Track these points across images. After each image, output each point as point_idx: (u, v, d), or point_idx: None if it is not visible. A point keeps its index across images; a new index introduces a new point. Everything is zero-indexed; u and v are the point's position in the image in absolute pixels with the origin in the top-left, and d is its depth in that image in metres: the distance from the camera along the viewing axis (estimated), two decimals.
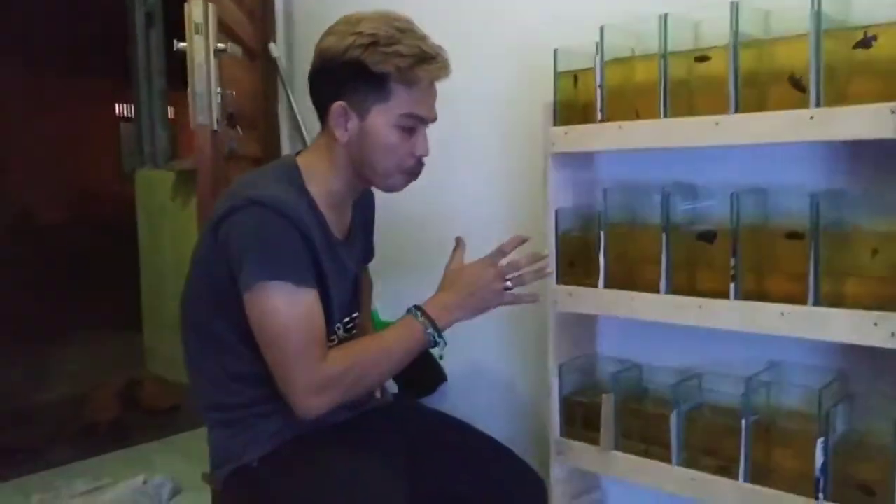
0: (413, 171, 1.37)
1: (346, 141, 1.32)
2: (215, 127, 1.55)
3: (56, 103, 7.03)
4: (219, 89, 1.55)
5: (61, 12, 5.67)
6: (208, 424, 1.38)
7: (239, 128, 1.66)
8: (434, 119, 1.36)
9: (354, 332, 1.50)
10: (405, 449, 1.46)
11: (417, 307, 1.34)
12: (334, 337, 1.43)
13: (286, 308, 1.21)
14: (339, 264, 1.38)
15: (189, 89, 1.55)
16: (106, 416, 2.38)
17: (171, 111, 3.42)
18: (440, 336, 1.32)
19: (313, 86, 1.34)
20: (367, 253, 1.64)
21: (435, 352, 1.37)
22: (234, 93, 1.61)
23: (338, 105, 1.29)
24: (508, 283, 1.37)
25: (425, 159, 1.38)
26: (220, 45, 1.55)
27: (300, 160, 1.37)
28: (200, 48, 1.53)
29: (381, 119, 1.29)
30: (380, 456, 1.36)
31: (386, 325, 2.03)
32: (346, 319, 1.46)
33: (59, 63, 6.59)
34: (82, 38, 6.07)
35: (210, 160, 1.56)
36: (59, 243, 5.88)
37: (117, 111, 8.35)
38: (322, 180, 1.35)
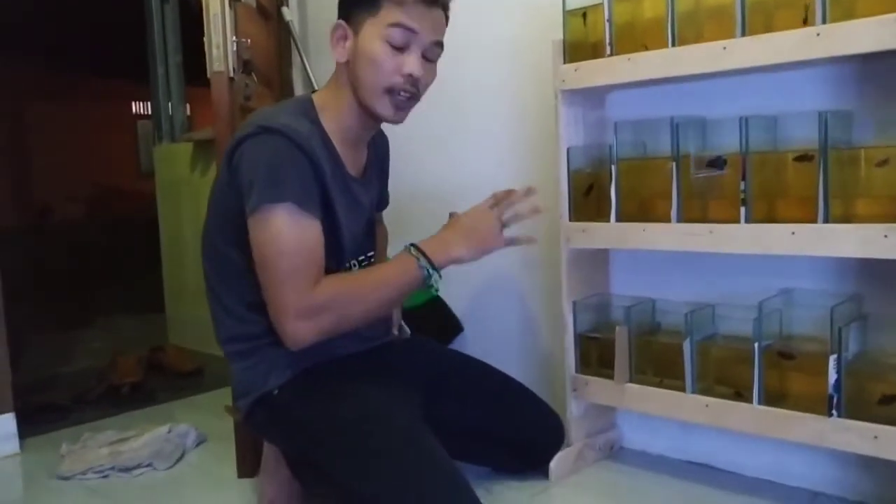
0: (402, 92, 1.32)
1: (344, 61, 1.33)
2: (231, 74, 1.58)
3: (76, 102, 7.14)
4: (234, 38, 1.59)
5: (82, 10, 5.74)
6: (229, 357, 1.41)
7: (254, 75, 1.69)
8: (431, 39, 1.32)
9: None
10: (423, 381, 1.49)
11: (413, 244, 1.33)
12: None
13: (286, 230, 1.22)
14: (351, 199, 1.40)
15: (205, 38, 1.59)
16: (130, 379, 2.41)
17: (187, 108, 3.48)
18: (434, 269, 1.30)
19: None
20: (382, 198, 1.66)
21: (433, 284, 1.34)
22: (249, 41, 1.64)
23: (336, 23, 1.33)
24: (505, 221, 1.38)
25: (423, 87, 1.35)
26: None
27: (315, 97, 1.40)
28: None
29: (371, 32, 1.30)
30: (396, 384, 1.38)
31: None
32: (361, 257, 1.48)
33: (80, 62, 6.67)
34: (102, 37, 6.14)
35: (227, 107, 1.58)
36: (79, 238, 5.97)
37: (134, 109, 8.45)
38: (335, 115, 1.37)
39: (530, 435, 1.59)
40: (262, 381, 1.37)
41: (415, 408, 1.37)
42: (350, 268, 1.45)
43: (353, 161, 1.43)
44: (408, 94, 1.33)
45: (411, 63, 1.31)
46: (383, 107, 1.33)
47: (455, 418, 1.50)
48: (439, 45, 1.35)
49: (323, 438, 1.29)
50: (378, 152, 1.56)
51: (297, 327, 1.23)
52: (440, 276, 1.32)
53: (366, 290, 1.30)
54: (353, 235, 1.42)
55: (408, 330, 1.68)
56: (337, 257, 1.36)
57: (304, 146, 1.25)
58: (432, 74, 1.37)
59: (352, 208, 1.40)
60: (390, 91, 1.32)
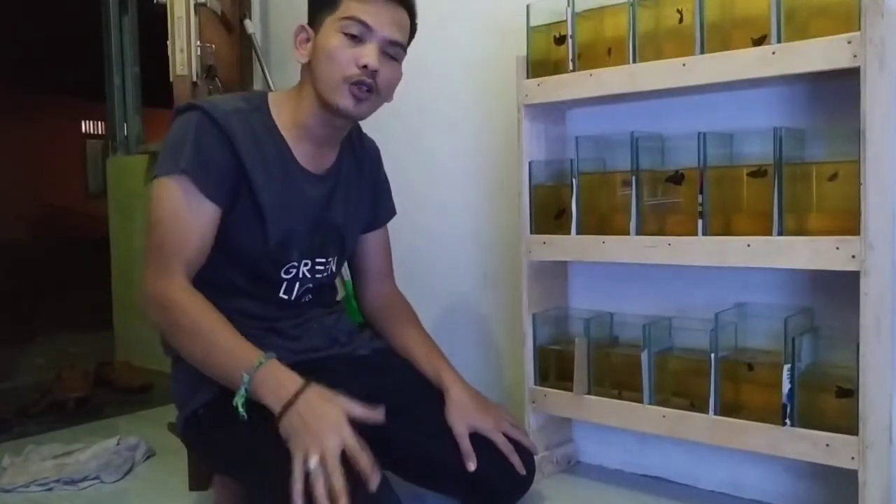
0: (359, 84, 1.27)
1: (306, 62, 1.31)
2: (195, 79, 1.57)
3: (24, 119, 7.00)
4: (198, 42, 1.58)
5: (34, 25, 5.65)
6: (171, 362, 1.37)
7: (218, 80, 1.69)
8: (388, 35, 1.28)
9: (321, 277, 1.43)
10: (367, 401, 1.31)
11: (272, 358, 1.17)
12: (294, 270, 1.37)
13: (167, 200, 1.22)
14: (295, 190, 1.34)
15: (169, 42, 1.58)
16: (76, 393, 2.34)
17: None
18: (246, 391, 1.15)
19: None
20: (383, 210, 1.58)
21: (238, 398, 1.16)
22: (213, 46, 1.64)
23: (298, 26, 1.32)
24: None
25: (384, 84, 1.30)
26: (201, 0, 1.58)
27: (272, 94, 1.39)
28: (181, 1, 1.56)
29: (329, 27, 1.28)
30: None
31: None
32: (307, 260, 1.38)
33: (29, 78, 6.56)
34: (51, 53, 6.04)
35: None
36: (23, 257, 5.84)
37: (84, 129, 8.31)
38: (289, 110, 1.34)
39: (491, 474, 1.34)
40: (191, 396, 1.30)
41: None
42: (298, 265, 1.38)
43: (311, 157, 1.37)
44: (366, 86, 1.28)
45: (368, 54, 1.26)
46: (343, 97, 1.27)
47: (400, 446, 1.32)
48: (398, 45, 1.31)
49: (241, 469, 1.22)
50: (363, 161, 1.49)
51: (148, 309, 1.23)
52: (244, 404, 1.15)
53: (196, 339, 1.20)
54: (294, 233, 1.34)
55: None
56: (263, 245, 1.30)
57: (219, 120, 1.24)
58: (394, 73, 1.33)
59: (293, 200, 1.34)
60: (346, 81, 1.27)
